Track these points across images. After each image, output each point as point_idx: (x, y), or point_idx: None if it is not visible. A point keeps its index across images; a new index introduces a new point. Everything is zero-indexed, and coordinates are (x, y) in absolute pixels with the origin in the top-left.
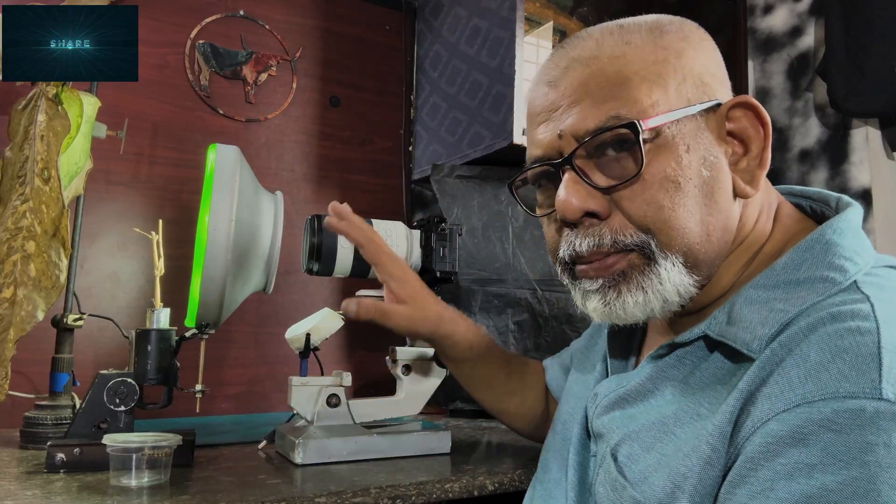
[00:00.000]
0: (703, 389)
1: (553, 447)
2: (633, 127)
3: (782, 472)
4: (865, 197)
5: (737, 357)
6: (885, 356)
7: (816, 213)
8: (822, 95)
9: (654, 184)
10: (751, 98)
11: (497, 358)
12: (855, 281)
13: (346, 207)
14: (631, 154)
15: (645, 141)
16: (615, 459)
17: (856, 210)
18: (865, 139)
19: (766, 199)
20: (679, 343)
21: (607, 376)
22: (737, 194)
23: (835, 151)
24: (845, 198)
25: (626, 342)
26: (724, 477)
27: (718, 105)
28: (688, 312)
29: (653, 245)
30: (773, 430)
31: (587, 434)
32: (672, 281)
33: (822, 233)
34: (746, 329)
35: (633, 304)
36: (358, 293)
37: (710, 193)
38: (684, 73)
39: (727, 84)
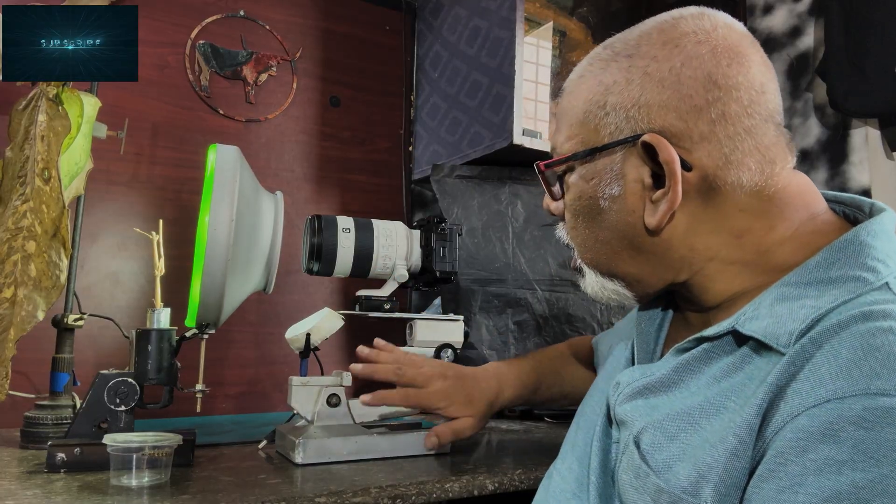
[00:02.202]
0: (730, 383)
1: (575, 438)
2: (541, 165)
3: (812, 468)
4: (865, 197)
5: (765, 352)
6: None
7: (849, 219)
8: (822, 95)
9: (568, 208)
10: (654, 136)
11: (548, 375)
12: (887, 282)
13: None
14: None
15: (562, 173)
16: (638, 447)
17: (890, 215)
18: (865, 139)
19: (766, 206)
20: (706, 337)
21: (633, 365)
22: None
23: (834, 151)
24: (879, 203)
25: (653, 334)
26: (750, 470)
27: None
28: (706, 309)
29: (575, 254)
30: (803, 425)
31: (609, 421)
32: (601, 285)
33: (857, 234)
34: (776, 324)
35: (596, 297)
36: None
37: (613, 222)
38: (607, 109)
39: (683, 109)
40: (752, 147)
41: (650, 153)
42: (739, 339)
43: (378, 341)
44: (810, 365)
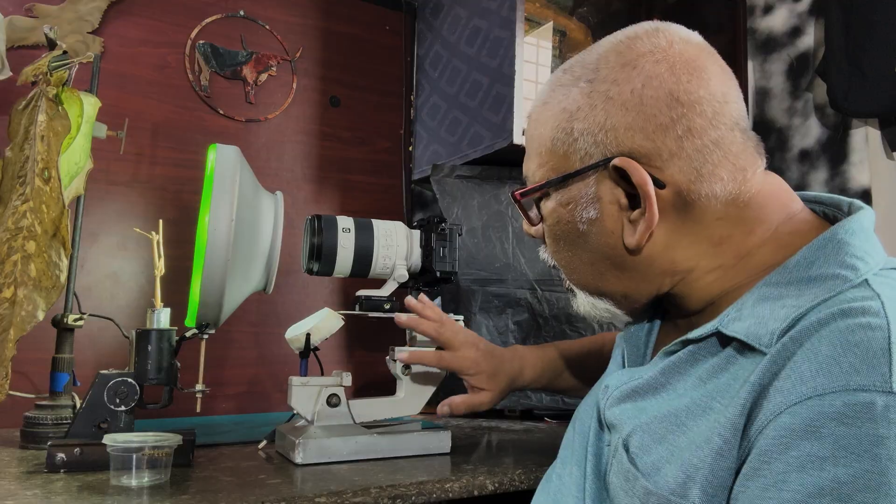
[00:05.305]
0: (716, 384)
1: (572, 442)
2: (517, 195)
3: (795, 465)
4: (865, 197)
5: (748, 352)
6: None
7: (829, 218)
8: (822, 95)
9: (547, 233)
10: (624, 160)
11: (572, 364)
12: (866, 279)
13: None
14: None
15: (539, 199)
16: (627, 450)
17: (867, 213)
18: (865, 139)
19: (743, 212)
20: (691, 339)
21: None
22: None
23: (835, 151)
24: (857, 202)
25: (642, 338)
26: (736, 470)
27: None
28: (691, 313)
29: (563, 275)
30: (785, 423)
31: (601, 425)
32: (591, 305)
33: (835, 233)
34: (758, 324)
35: (589, 316)
36: (403, 353)
37: (593, 244)
38: (575, 135)
39: (649, 129)
40: (722, 157)
41: (622, 175)
42: (723, 340)
43: (423, 297)
44: (791, 363)
